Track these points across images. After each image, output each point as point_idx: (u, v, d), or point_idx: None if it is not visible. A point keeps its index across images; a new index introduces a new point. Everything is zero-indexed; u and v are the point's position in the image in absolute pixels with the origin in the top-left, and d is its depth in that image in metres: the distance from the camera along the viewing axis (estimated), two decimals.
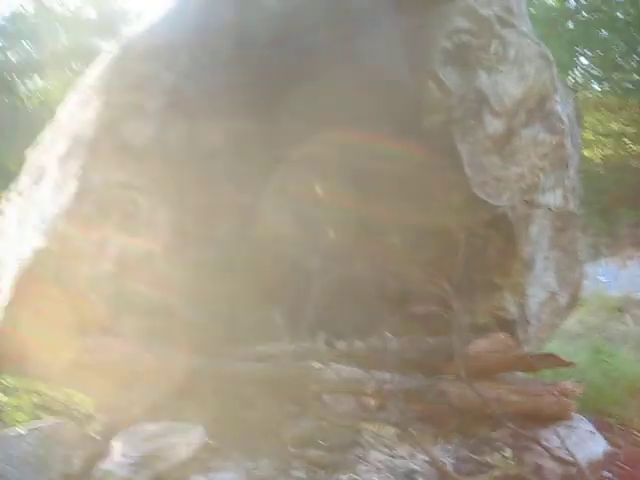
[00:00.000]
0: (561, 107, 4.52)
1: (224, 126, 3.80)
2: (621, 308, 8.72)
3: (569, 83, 24.60)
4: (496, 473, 3.16)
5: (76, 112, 3.85)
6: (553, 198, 4.46)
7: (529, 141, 4.34)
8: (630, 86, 25.02)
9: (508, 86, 4.26)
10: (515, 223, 4.24)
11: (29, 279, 3.65)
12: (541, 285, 4.53)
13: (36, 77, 23.15)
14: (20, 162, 5.03)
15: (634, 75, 25.94)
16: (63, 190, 3.62)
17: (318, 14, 3.84)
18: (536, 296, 4.48)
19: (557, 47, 19.85)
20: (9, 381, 4.87)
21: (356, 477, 3.09)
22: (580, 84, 25.66)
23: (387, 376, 3.55)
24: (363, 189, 4.01)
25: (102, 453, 3.38)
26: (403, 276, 4.05)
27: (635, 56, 24.87)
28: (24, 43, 24.24)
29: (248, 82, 3.82)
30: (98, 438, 3.51)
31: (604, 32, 24.21)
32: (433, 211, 4.15)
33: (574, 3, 23.51)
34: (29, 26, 25.05)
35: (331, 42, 3.83)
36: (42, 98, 23.72)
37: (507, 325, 4.28)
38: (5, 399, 4.71)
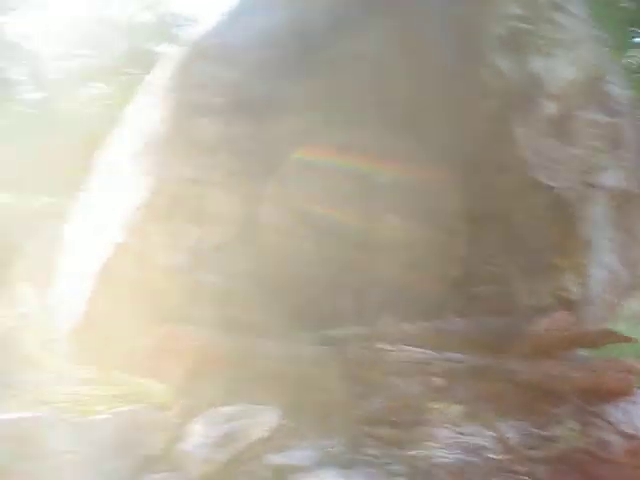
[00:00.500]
0: (616, 88, 4.57)
1: (287, 121, 3.95)
2: None
3: (625, 64, 24.21)
4: (562, 446, 3.26)
5: (146, 111, 4.04)
6: (612, 179, 4.49)
7: (585, 123, 4.40)
8: None
9: (562, 69, 4.36)
10: (574, 204, 4.30)
11: (109, 272, 3.87)
12: (602, 265, 4.55)
13: (95, 82, 23.74)
14: (78, 164, 5.28)
15: None
16: (138, 186, 3.82)
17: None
18: (597, 276, 4.51)
19: (611, 27, 19.56)
20: (87, 372, 5.15)
21: (426, 452, 3.23)
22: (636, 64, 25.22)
23: (453, 356, 3.68)
24: (427, 176, 4.12)
25: (180, 436, 3.60)
26: (466, 259, 4.15)
27: None
28: (82, 50, 24.90)
29: (309, 77, 3.97)
30: (176, 422, 3.74)
31: None
32: (492, 194, 4.25)
33: None
34: (87, 32, 25.70)
35: (387, 30, 3.95)
36: (102, 103, 24.34)
37: (569, 305, 4.33)
38: (84, 390, 4.99)
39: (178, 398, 3.81)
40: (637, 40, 23.64)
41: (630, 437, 3.41)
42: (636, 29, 23.10)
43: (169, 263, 3.82)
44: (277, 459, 3.26)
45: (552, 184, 4.24)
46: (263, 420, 3.42)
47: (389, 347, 3.66)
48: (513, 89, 4.20)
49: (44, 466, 3.31)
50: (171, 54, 4.24)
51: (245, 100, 3.92)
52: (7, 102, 17.20)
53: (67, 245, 4.75)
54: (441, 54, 4.06)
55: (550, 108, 4.28)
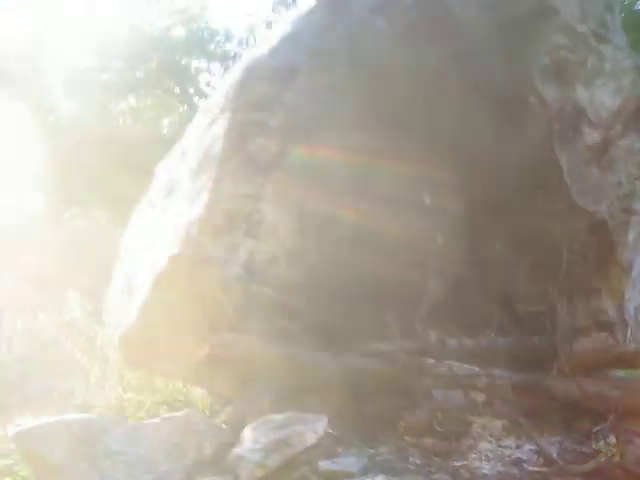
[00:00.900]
0: None
1: (338, 141, 4.11)
2: None
3: None
4: (599, 461, 3.37)
5: (204, 129, 4.22)
6: None
7: (625, 151, 4.54)
8: None
9: (604, 99, 4.48)
10: (613, 229, 4.42)
11: (165, 282, 4.03)
12: (639, 289, 4.70)
13: (129, 97, 24.09)
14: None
15: None
16: (195, 201, 3.99)
17: (427, 35, 4.14)
18: (634, 300, 4.60)
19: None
20: (133, 379, 5.32)
21: (468, 463, 3.35)
22: None
23: (496, 372, 3.81)
24: (476, 203, 4.27)
25: (230, 442, 3.74)
26: (510, 279, 4.29)
27: None
28: (116, 63, 25.35)
29: (360, 100, 4.14)
30: (225, 428, 3.89)
31: None
32: (536, 218, 4.39)
33: None
34: (121, 46, 26.15)
35: (440, 55, 4.12)
36: (136, 116, 24.73)
37: (606, 327, 4.44)
38: (129, 395, 5.15)
39: (228, 405, 3.97)
40: None
41: None
42: None
43: (223, 275, 3.97)
44: (326, 465, 3.39)
45: (593, 209, 4.37)
46: (312, 428, 3.55)
47: (434, 362, 3.80)
48: (558, 117, 4.32)
49: (99, 467, 3.47)
50: (229, 73, 4.40)
51: (299, 120, 4.09)
52: (41, 114, 17.50)
53: (122, 255, 4.95)
54: (490, 81, 4.20)
55: (592, 136, 4.41)
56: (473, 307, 4.20)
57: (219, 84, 4.53)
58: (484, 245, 4.40)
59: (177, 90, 25.82)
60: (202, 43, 25.88)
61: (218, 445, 3.73)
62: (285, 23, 4.36)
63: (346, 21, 4.31)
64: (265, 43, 4.28)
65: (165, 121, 27.16)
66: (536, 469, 3.31)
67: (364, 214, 4.16)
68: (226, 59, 26.91)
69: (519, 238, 4.35)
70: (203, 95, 27.24)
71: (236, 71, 4.26)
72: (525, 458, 3.48)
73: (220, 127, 4.05)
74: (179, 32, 27.24)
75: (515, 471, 3.35)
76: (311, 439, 3.52)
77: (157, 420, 3.81)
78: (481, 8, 4.29)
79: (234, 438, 3.73)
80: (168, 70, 23.77)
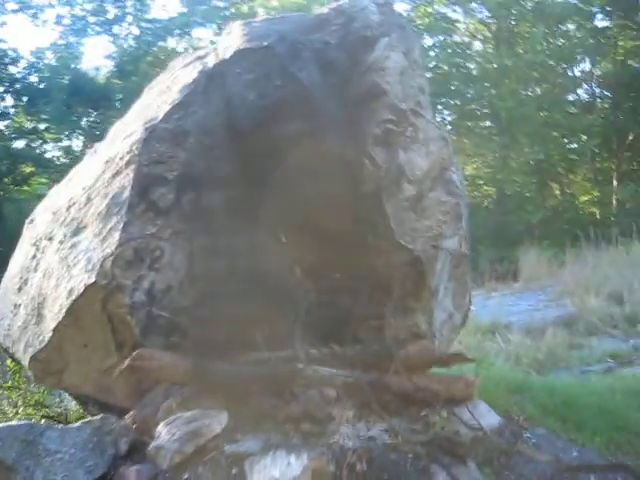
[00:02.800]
0: (456, 176, 6.05)
1: (223, 192, 5.10)
2: (492, 330, 10.58)
3: None
4: (430, 435, 4.61)
5: (109, 179, 5.04)
6: (451, 243, 5.76)
7: (434, 202, 5.64)
8: (485, 132, 27.82)
9: (418, 161, 5.58)
10: (426, 262, 5.51)
11: (80, 306, 4.80)
12: (442, 308, 5.85)
13: None
14: None
15: (487, 122, 28.80)
16: (107, 239, 4.79)
17: (290, 112, 5.23)
18: (439, 317, 5.80)
19: None
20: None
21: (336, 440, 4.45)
22: None
23: (348, 373, 4.94)
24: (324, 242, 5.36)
25: (140, 439, 4.59)
26: (353, 302, 5.45)
27: (487, 104, 27.70)
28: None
29: (239, 158, 5.16)
30: (135, 427, 4.71)
31: (459, 85, 26.99)
32: (368, 254, 5.56)
33: (434, 60, 26.15)
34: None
35: (300, 133, 5.21)
36: None
37: (420, 338, 5.72)
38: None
39: (139, 408, 4.80)
40: (439, 108, 26.29)
41: (474, 428, 4.84)
42: (438, 99, 25.84)
43: (130, 301, 4.82)
44: (232, 449, 4.36)
45: (411, 247, 5.51)
46: (217, 420, 4.49)
47: (303, 366, 4.87)
48: (385, 175, 5.44)
49: (42, 464, 4.19)
50: (132, 134, 5.22)
51: (190, 175, 5.04)
52: None
53: (16, 285, 5.59)
54: (339, 148, 5.34)
55: (409, 190, 5.52)
56: (327, 324, 5.30)
57: (120, 141, 5.33)
58: (331, 276, 5.51)
59: None
60: None
61: (131, 442, 4.57)
62: (174, 92, 5.26)
63: (223, 92, 5.31)
64: (165, 109, 5.16)
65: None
66: (388, 440, 4.48)
67: (241, 250, 5.16)
68: (13, 82, 26.51)
69: (358, 270, 5.51)
70: None
71: (140, 133, 5.09)
72: (376, 436, 4.63)
73: (126, 178, 4.90)
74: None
75: (372, 444, 4.50)
76: (217, 429, 4.44)
77: (79, 424, 4.57)
78: (330, 89, 5.44)
79: (143, 436, 4.59)
80: None
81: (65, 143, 28.77)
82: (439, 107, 28.58)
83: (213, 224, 5.07)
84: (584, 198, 28.41)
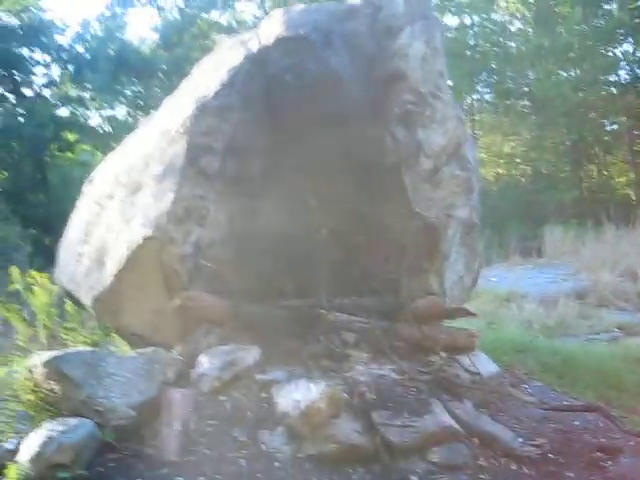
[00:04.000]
0: (469, 152, 6.74)
1: (261, 161, 5.88)
2: (508, 299, 11.29)
3: (466, 106, 27.48)
4: (434, 375, 5.37)
5: (165, 147, 5.84)
6: (463, 212, 6.48)
7: (448, 175, 6.36)
8: (522, 111, 28.09)
9: (436, 138, 6.27)
10: (439, 228, 6.25)
11: (138, 255, 5.64)
12: (453, 271, 6.56)
13: None
14: None
15: (524, 101, 29.06)
16: (162, 199, 5.61)
17: (322, 93, 5.97)
18: (450, 278, 6.51)
19: (458, 76, 22.55)
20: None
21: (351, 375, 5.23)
22: (477, 108, 28.56)
23: (365, 320, 5.72)
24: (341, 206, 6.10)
25: (185, 369, 5.39)
26: (370, 261, 6.21)
27: (524, 83, 28.00)
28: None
29: (276, 131, 5.92)
30: (182, 359, 5.53)
31: (497, 64, 27.29)
32: (387, 219, 6.29)
33: (473, 39, 26.48)
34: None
35: (330, 111, 5.95)
36: None
37: (432, 295, 6.47)
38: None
39: (184, 343, 5.63)
40: (478, 88, 26.58)
41: (473, 373, 5.60)
42: (477, 78, 26.19)
43: (180, 252, 5.64)
44: (262, 377, 5.16)
45: (426, 214, 6.21)
46: (250, 354, 5.29)
47: (325, 312, 5.66)
48: (404, 150, 6.14)
49: (103, 383, 4.97)
50: (184, 108, 6.01)
51: (233, 145, 5.82)
52: None
53: (80, 235, 6.46)
54: (362, 125, 6.07)
55: (427, 164, 6.22)
56: (348, 278, 6.08)
57: (168, 109, 6.16)
58: (352, 237, 6.26)
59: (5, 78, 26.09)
60: (36, 34, 26.23)
61: (177, 371, 5.36)
62: (222, 73, 6.03)
63: (264, 74, 6.07)
64: (211, 87, 5.94)
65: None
66: (395, 377, 5.26)
67: (275, 212, 5.94)
68: (60, 51, 27.35)
69: (377, 234, 6.25)
70: (30, 85, 27.48)
71: (191, 107, 5.88)
72: (386, 374, 5.40)
73: (180, 147, 5.70)
74: (13, 21, 27.32)
75: (382, 380, 5.27)
76: (250, 361, 5.24)
77: (133, 354, 5.37)
78: (358, 73, 6.16)
79: (187, 367, 5.40)
80: (0, 59, 24.03)
81: (108, 112, 29.56)
82: (477, 85, 29.02)
83: (251, 188, 5.84)
84: (620, 179, 28.55)
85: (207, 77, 6.17)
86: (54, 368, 4.85)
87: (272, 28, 6.31)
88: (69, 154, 28.65)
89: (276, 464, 4.51)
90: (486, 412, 5.42)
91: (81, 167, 29.09)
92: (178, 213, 5.59)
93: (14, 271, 6.80)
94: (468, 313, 6.07)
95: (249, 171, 5.86)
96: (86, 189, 7.10)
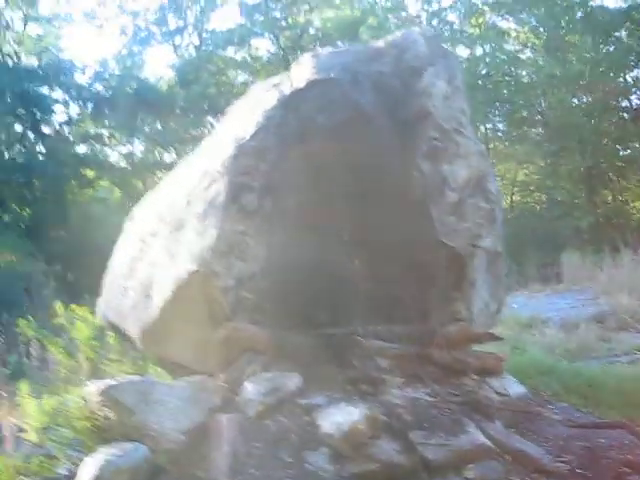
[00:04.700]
0: (492, 185, 7.08)
1: (296, 197, 6.24)
2: (530, 325, 11.58)
3: (480, 136, 27.84)
4: (465, 398, 5.66)
5: (206, 186, 6.21)
6: (487, 242, 6.76)
7: (473, 207, 6.65)
8: (535, 139, 28.46)
9: (459, 172, 6.60)
10: (465, 258, 6.54)
11: (183, 288, 5.99)
12: (480, 298, 6.82)
13: None
14: None
15: (537, 129, 29.44)
16: (204, 235, 5.97)
17: (352, 132, 6.33)
18: (477, 305, 6.76)
19: (471, 106, 22.89)
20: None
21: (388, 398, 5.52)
22: (490, 137, 28.94)
23: (397, 346, 6.03)
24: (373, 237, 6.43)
25: (231, 396, 5.70)
26: (402, 290, 6.53)
27: (537, 111, 28.36)
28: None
29: (310, 169, 6.28)
30: (226, 386, 5.83)
31: (510, 93, 27.72)
32: (416, 250, 6.62)
33: (485, 69, 26.95)
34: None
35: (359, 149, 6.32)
36: None
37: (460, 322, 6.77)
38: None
39: (228, 372, 5.94)
40: (489, 116, 26.91)
41: (502, 394, 5.89)
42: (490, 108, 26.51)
43: (223, 285, 5.98)
44: (304, 401, 5.47)
45: (452, 245, 6.50)
46: (292, 381, 5.60)
47: (361, 340, 5.98)
48: (430, 184, 6.47)
49: (154, 409, 5.30)
50: (224, 149, 6.38)
51: (270, 183, 6.18)
52: None
53: (126, 271, 6.82)
54: (392, 162, 6.43)
55: (452, 197, 6.55)
56: (381, 306, 6.39)
57: (206, 150, 6.57)
58: (384, 268, 6.58)
59: (25, 117, 26.71)
60: (56, 73, 26.91)
61: (222, 398, 5.67)
62: (257, 115, 6.41)
63: (297, 115, 6.45)
64: (248, 129, 6.32)
65: (16, 147, 27.89)
66: (429, 399, 5.55)
67: (309, 245, 6.28)
68: (79, 89, 27.99)
69: (407, 264, 6.58)
70: (48, 123, 28.06)
71: (229, 147, 6.25)
72: (419, 397, 5.69)
73: (221, 186, 6.06)
74: (33, 61, 28.04)
75: (416, 403, 5.56)
76: (291, 387, 5.53)
77: (181, 382, 5.70)
78: (385, 112, 6.53)
79: (233, 394, 5.71)
80: (21, 98, 24.67)
81: (124, 149, 30.12)
82: (490, 115, 29.43)
83: (287, 223, 6.19)
84: (635, 204, 28.77)
85: (243, 119, 6.54)
86: (109, 396, 5.22)
87: (302, 71, 6.70)
88: (88, 191, 29.16)
89: None
90: (515, 431, 5.66)
91: (99, 203, 29.72)
92: (221, 248, 5.92)
93: (58, 305, 7.18)
94: (495, 338, 6.38)
95: (285, 207, 6.20)
96: (127, 226, 7.48)
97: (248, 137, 6.23)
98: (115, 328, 6.99)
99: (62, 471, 5.35)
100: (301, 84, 6.52)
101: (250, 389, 5.51)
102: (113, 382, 5.37)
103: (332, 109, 6.37)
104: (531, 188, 29.28)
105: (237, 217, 6.04)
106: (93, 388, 5.31)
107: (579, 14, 27.09)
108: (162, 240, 6.43)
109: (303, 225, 6.27)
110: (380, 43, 7.13)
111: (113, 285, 7.10)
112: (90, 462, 4.92)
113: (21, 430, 5.73)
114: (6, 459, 5.25)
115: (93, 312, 7.39)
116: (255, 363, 5.84)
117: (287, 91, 6.55)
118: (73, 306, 7.34)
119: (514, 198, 29.25)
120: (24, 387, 5.79)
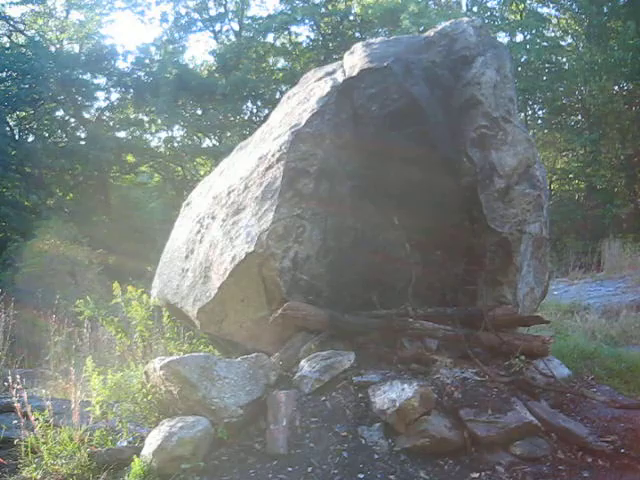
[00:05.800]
0: (539, 172, 7.21)
1: (350, 182, 6.45)
2: (571, 311, 11.68)
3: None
4: (512, 377, 5.84)
5: (262, 171, 6.45)
6: (534, 228, 6.93)
7: (520, 193, 6.85)
8: (575, 127, 28.20)
9: (507, 159, 6.83)
10: (512, 243, 6.75)
11: (241, 269, 6.23)
12: (525, 282, 7.02)
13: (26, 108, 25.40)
14: None
15: (577, 117, 29.15)
16: (262, 218, 6.19)
17: (405, 119, 6.53)
18: (522, 289, 6.97)
19: None
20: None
21: (437, 377, 5.73)
22: (530, 124, 28.76)
23: (448, 328, 6.24)
24: (428, 223, 6.63)
25: (284, 373, 5.89)
26: (451, 273, 6.73)
27: (578, 99, 28.12)
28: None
29: (363, 155, 6.49)
30: (281, 364, 6.06)
31: (550, 80, 27.51)
32: (465, 235, 6.82)
33: (525, 55, 26.75)
34: (18, 60, 27.16)
35: (412, 137, 6.51)
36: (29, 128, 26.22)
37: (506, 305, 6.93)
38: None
39: (283, 350, 6.18)
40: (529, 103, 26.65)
41: (547, 376, 6.06)
42: (529, 95, 26.26)
43: (280, 266, 6.21)
44: (358, 379, 5.69)
45: (500, 230, 6.71)
46: (347, 358, 5.82)
47: (412, 320, 6.19)
48: (480, 171, 6.68)
49: (215, 385, 5.50)
50: (279, 136, 6.62)
51: (326, 168, 6.40)
52: None
53: (185, 253, 7.10)
54: (443, 148, 6.62)
55: (500, 183, 6.75)
56: (431, 289, 6.61)
57: (262, 136, 6.81)
58: (434, 252, 6.80)
59: (68, 103, 27.13)
60: (98, 59, 27.27)
61: (278, 375, 5.87)
62: (312, 103, 6.63)
63: (350, 103, 6.66)
64: (304, 116, 6.54)
65: (58, 133, 28.36)
66: (478, 378, 5.74)
67: (363, 229, 6.51)
68: (121, 75, 28.32)
69: (456, 248, 6.78)
70: (90, 109, 28.47)
71: (285, 133, 6.47)
72: (468, 377, 5.87)
73: (277, 171, 6.29)
74: (75, 48, 28.41)
75: (465, 382, 5.74)
76: (346, 365, 5.77)
77: (239, 359, 5.91)
78: (436, 100, 6.72)
79: (286, 371, 5.94)
80: (63, 84, 25.04)
81: (163, 134, 30.42)
82: (530, 102, 29.25)
83: (342, 208, 6.42)
84: None
85: (298, 107, 6.77)
86: (172, 371, 5.41)
87: (355, 60, 6.90)
88: (129, 175, 29.53)
89: (375, 456, 5.04)
90: (560, 411, 5.82)
91: (139, 188, 30.12)
92: (278, 231, 6.16)
93: (115, 286, 7.44)
94: (542, 321, 6.57)
95: (340, 192, 6.43)
96: (184, 210, 7.76)
97: (304, 123, 6.45)
98: (172, 307, 7.25)
99: (123, 443, 5.57)
100: (354, 72, 6.72)
101: (306, 367, 5.73)
102: (176, 358, 5.60)
103: (385, 98, 6.58)
104: (570, 176, 28.93)
105: (293, 201, 6.27)
106: (156, 364, 5.53)
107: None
108: (220, 223, 6.67)
109: (356, 210, 6.48)
110: (430, 32, 7.31)
111: (171, 266, 7.38)
112: (154, 434, 5.13)
113: (87, 404, 5.96)
114: (72, 431, 5.46)
115: (146, 293, 7.62)
116: (310, 342, 6.06)
117: (340, 79, 6.75)
118: (129, 287, 7.57)
119: (553, 186, 29.03)
120: (90, 363, 6.01)
